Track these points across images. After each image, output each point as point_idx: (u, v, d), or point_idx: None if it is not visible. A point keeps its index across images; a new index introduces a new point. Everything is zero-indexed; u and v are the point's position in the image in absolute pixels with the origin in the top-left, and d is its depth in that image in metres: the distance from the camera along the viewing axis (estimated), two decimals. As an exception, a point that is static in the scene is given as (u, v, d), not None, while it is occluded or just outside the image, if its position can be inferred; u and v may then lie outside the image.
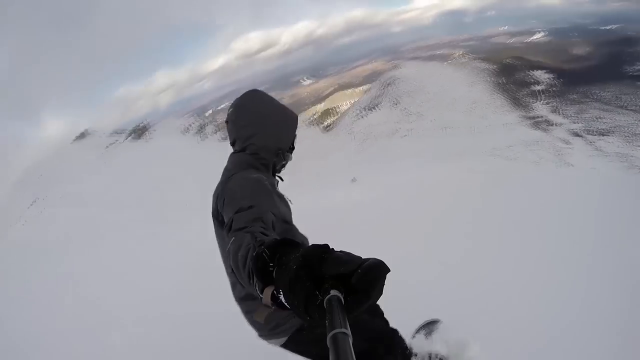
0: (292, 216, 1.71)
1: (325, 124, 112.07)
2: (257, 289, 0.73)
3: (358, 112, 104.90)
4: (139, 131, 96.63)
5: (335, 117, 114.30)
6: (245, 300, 1.57)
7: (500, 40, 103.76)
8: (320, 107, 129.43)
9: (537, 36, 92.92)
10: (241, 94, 1.66)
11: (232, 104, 1.66)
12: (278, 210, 1.36)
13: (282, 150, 1.69)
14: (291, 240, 0.74)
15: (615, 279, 3.01)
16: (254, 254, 0.75)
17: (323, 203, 6.65)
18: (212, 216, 1.47)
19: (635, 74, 70.16)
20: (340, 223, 4.61)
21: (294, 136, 1.74)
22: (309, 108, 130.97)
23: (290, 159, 1.78)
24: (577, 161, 42.75)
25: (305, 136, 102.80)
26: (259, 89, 1.69)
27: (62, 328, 3.26)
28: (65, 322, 3.30)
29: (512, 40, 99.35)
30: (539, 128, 64.66)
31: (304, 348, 1.69)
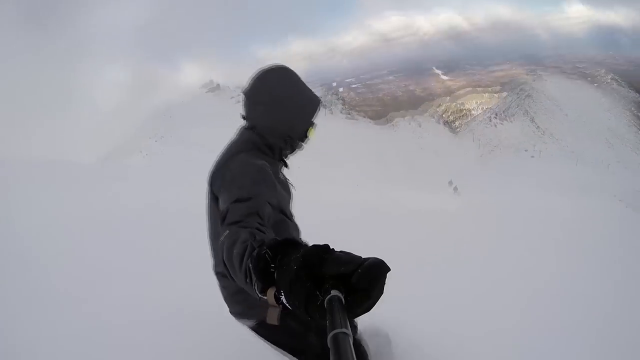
0: (292, 203, 1.64)
1: (452, 122, 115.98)
2: (256, 289, 0.74)
3: (488, 118, 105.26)
4: None
5: (463, 118, 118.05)
6: (225, 277, 1.49)
7: None
8: (450, 104, 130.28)
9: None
10: (266, 68, 1.46)
11: (253, 76, 1.46)
12: (277, 201, 1.35)
13: (292, 138, 1.51)
14: (292, 240, 0.74)
15: None
16: (255, 254, 0.75)
17: (420, 205, 6.81)
18: (208, 184, 1.40)
19: None
20: (424, 228, 4.61)
21: (310, 124, 1.53)
22: (437, 101, 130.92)
23: (302, 147, 1.60)
24: None
25: (431, 130, 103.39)
26: (289, 67, 1.47)
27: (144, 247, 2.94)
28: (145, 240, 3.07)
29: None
30: None
31: (273, 334, 1.59)
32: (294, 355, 1.60)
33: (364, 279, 0.60)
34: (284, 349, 1.60)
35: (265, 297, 0.71)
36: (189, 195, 2.87)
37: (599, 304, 2.84)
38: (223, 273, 1.54)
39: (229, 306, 1.59)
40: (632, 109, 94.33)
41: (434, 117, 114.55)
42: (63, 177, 5.63)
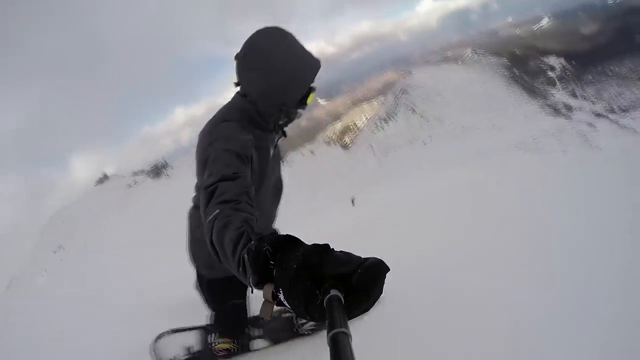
0: (279, 175, 1.76)
1: (345, 141, 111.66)
2: (250, 281, 0.74)
3: (375, 125, 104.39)
4: (158, 169, 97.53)
5: (354, 134, 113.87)
6: (199, 238, 1.56)
7: (507, 33, 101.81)
8: (338, 125, 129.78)
9: (544, 22, 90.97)
10: (258, 30, 1.39)
11: (246, 40, 1.38)
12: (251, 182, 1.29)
13: (287, 107, 1.42)
14: (292, 237, 0.74)
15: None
16: (254, 248, 0.74)
17: (320, 225, 6.84)
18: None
19: (649, 43, 66.99)
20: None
21: (308, 89, 1.43)
22: (327, 127, 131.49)
23: (299, 115, 1.52)
24: (605, 143, 41.11)
25: (326, 154, 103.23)
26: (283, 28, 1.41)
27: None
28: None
29: (519, 30, 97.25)
30: (560, 115, 62.70)
31: (202, 285, 1.83)
32: (210, 309, 1.90)
33: (363, 279, 0.61)
34: (206, 303, 1.89)
35: (259, 289, 0.74)
36: (94, 325, 3.06)
37: (535, 253, 2.65)
38: (198, 232, 1.67)
39: (188, 244, 1.79)
40: (498, 71, 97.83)
41: (325, 142, 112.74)
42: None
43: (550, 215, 3.36)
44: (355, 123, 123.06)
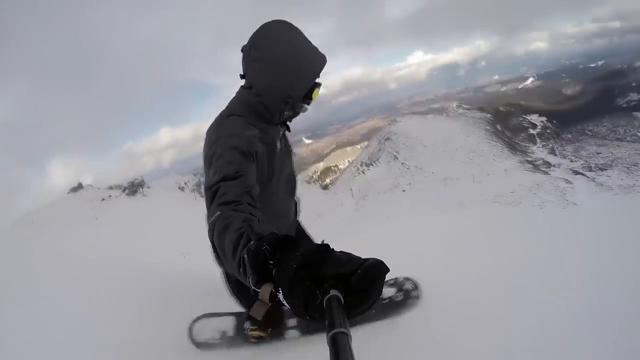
0: (291, 169, 1.72)
1: (325, 182, 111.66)
2: (250, 281, 0.74)
3: (356, 168, 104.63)
4: (135, 186, 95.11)
5: (335, 175, 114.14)
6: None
7: (493, 89, 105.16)
8: (320, 165, 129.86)
9: (528, 81, 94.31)
10: (266, 23, 1.39)
11: (253, 33, 1.38)
12: (258, 178, 1.29)
13: (293, 100, 1.42)
14: (292, 238, 0.73)
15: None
16: (253, 248, 0.74)
17: None
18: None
19: (627, 105, 70.47)
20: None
21: (313, 85, 1.43)
22: (310, 167, 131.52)
23: (304, 109, 1.53)
24: (581, 199, 41.45)
25: (305, 192, 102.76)
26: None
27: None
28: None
29: (505, 87, 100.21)
30: (539, 171, 63.72)
31: (232, 283, 1.81)
32: (244, 307, 1.92)
33: (363, 280, 0.61)
34: (239, 301, 1.91)
35: (258, 290, 0.74)
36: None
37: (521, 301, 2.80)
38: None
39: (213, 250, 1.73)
40: (481, 125, 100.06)
41: (305, 181, 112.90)
42: None
43: (525, 266, 3.39)
44: (337, 165, 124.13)
